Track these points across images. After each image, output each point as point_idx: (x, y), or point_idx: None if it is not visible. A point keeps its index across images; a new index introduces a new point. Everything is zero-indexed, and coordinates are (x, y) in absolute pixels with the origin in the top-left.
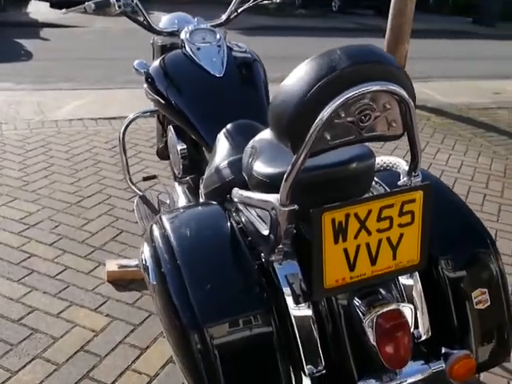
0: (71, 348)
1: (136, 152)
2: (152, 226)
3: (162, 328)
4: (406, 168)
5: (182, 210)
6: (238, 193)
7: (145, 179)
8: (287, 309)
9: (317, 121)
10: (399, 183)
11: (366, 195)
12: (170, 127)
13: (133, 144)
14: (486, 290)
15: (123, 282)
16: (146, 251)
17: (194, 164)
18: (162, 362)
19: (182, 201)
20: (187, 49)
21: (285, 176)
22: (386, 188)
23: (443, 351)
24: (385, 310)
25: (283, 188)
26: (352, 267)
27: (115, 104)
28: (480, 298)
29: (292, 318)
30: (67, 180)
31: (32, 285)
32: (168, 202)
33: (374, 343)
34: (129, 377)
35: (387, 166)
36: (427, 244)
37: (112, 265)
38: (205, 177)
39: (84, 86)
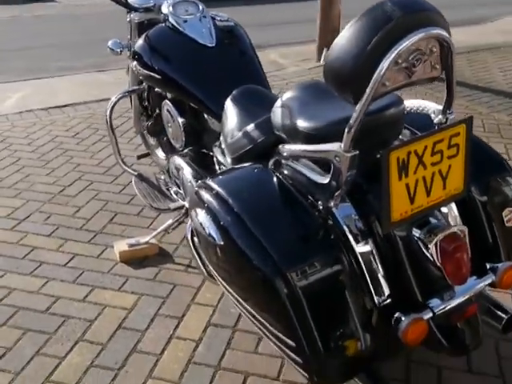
0: (110, 327)
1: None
2: (198, 192)
3: (230, 287)
4: (437, 107)
5: (227, 174)
6: (289, 148)
7: (139, 157)
8: (351, 247)
9: (379, 70)
10: (436, 121)
11: (401, 137)
12: (167, 102)
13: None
14: None
15: (136, 260)
16: (201, 216)
17: (197, 135)
18: (202, 326)
19: (187, 172)
20: (172, 22)
21: (349, 124)
22: (414, 130)
23: (489, 266)
24: (446, 233)
25: (347, 135)
26: (412, 200)
27: (60, 92)
28: (509, 216)
29: (357, 254)
30: (41, 171)
31: (46, 275)
32: (163, 177)
33: (440, 265)
34: (175, 344)
35: (417, 108)
36: (468, 173)
37: (122, 245)
38: (229, 142)
39: (14, 77)
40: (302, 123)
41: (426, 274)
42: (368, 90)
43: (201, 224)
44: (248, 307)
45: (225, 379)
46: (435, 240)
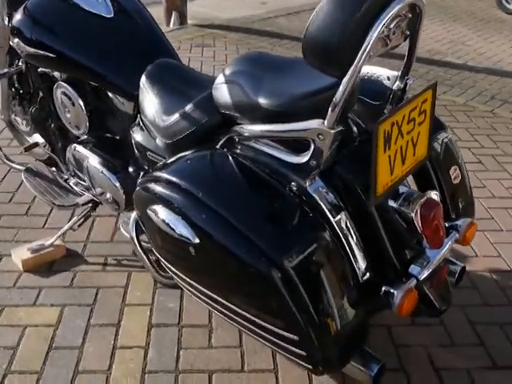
0: (39, 350)
1: None
2: (148, 187)
3: (209, 289)
4: (392, 73)
5: (181, 163)
6: (252, 129)
7: (26, 149)
8: (331, 225)
9: (369, 39)
10: (394, 87)
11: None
12: (61, 83)
13: None
14: (456, 167)
15: (44, 266)
16: (162, 214)
17: (102, 118)
18: (144, 329)
19: (94, 160)
20: None
21: (335, 100)
22: (367, 100)
23: (447, 225)
24: (424, 199)
25: (333, 112)
26: (392, 171)
27: None
28: (455, 173)
29: (337, 231)
30: None
31: None
32: (54, 169)
33: (420, 231)
34: (121, 355)
35: (370, 75)
36: (430, 139)
37: (22, 252)
38: (163, 126)
39: None
40: (263, 100)
41: (403, 243)
42: (357, 62)
43: (164, 222)
44: (237, 309)
45: (189, 382)
46: (415, 208)
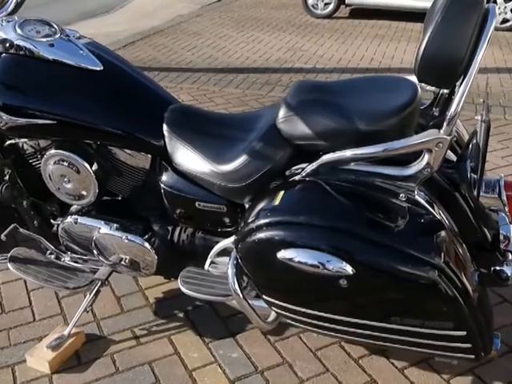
0: None
1: None
2: (262, 237)
3: (368, 312)
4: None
5: (285, 201)
6: (355, 153)
7: (6, 236)
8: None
9: (478, 53)
10: (441, 90)
11: None
12: (57, 152)
13: None
14: None
15: (69, 361)
16: (296, 256)
17: (113, 180)
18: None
19: (107, 228)
20: (33, 49)
21: (452, 110)
22: None
23: None
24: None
25: (450, 122)
26: None
27: None
28: None
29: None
30: None
31: None
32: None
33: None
34: None
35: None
36: None
37: (42, 353)
38: (230, 170)
39: None
40: (355, 123)
41: (489, 226)
42: (470, 73)
43: (306, 264)
44: (393, 326)
45: None
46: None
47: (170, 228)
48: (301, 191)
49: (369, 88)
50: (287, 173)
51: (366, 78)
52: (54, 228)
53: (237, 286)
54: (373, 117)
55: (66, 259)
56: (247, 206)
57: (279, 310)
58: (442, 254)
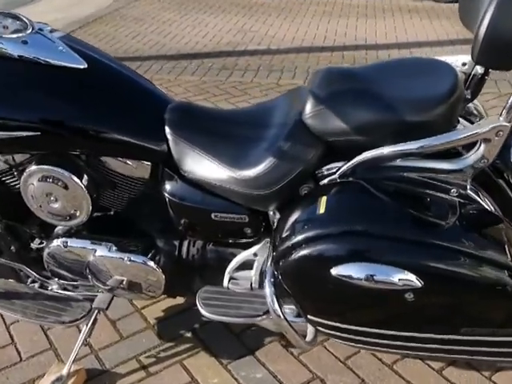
0: None
1: None
2: (306, 253)
3: (436, 325)
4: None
5: (332, 211)
6: (403, 148)
7: None
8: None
9: None
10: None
11: None
12: (40, 168)
13: None
14: None
15: None
16: (355, 271)
17: (108, 195)
18: None
19: (104, 250)
20: (2, 47)
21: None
22: None
23: None
24: None
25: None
26: None
27: None
28: None
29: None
30: None
31: None
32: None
33: None
34: None
35: None
36: None
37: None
38: (257, 175)
39: None
40: (400, 114)
41: None
42: None
43: (367, 279)
44: (464, 338)
45: None
46: None
47: (176, 243)
48: (348, 195)
49: (404, 72)
50: (318, 174)
51: (395, 61)
52: (33, 253)
53: (277, 306)
54: (419, 106)
55: (54, 287)
56: (271, 213)
57: (328, 330)
58: (507, 251)
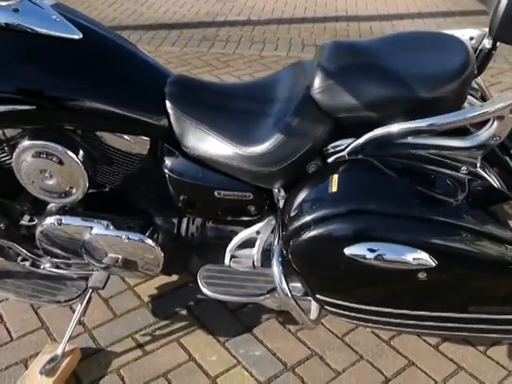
0: None
1: None
2: (320, 232)
3: (448, 305)
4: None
5: (344, 189)
6: (418, 125)
7: None
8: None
9: None
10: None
11: None
12: (33, 143)
13: None
14: None
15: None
16: (369, 250)
17: (105, 170)
18: None
19: (100, 227)
20: None
21: None
22: None
23: None
24: None
25: None
26: None
27: None
28: None
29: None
30: None
31: None
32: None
33: None
34: None
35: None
36: None
37: (34, 381)
38: (264, 152)
39: None
40: (412, 90)
41: None
42: None
43: (381, 258)
44: (476, 316)
45: None
46: None
47: (175, 220)
48: (359, 173)
49: (414, 47)
50: (325, 151)
51: (404, 35)
52: (24, 230)
53: (285, 285)
54: (432, 82)
55: (46, 265)
56: (276, 190)
57: (336, 309)
58: None
